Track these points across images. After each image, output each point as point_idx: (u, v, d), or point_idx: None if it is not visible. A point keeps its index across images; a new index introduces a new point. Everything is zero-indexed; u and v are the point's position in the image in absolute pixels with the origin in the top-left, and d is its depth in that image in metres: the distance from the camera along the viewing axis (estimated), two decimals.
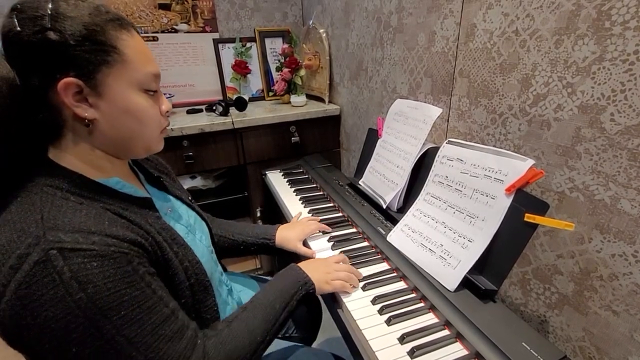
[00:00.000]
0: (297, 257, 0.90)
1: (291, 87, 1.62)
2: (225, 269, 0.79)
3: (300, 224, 0.89)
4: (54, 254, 0.38)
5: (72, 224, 0.41)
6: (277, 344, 0.73)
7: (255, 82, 1.74)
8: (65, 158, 0.48)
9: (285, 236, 0.84)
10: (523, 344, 0.53)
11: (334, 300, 0.70)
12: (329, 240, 0.85)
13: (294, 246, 0.83)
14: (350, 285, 0.68)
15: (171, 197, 0.65)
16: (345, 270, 0.70)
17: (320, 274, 0.67)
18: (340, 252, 0.80)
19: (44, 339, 0.39)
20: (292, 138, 1.50)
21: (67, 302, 0.38)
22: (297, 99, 1.56)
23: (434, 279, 0.68)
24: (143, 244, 0.46)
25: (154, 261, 0.48)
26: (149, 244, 0.48)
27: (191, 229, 0.64)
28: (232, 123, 1.37)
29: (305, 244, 0.86)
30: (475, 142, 0.75)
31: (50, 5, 0.43)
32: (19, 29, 0.41)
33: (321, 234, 0.89)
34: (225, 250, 0.84)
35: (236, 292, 0.78)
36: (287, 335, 0.89)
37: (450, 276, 0.65)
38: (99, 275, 0.40)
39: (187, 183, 1.59)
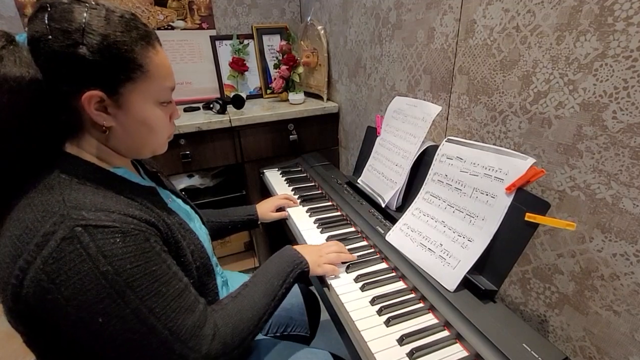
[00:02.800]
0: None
1: (289, 85, 1.60)
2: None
3: (271, 198, 1.04)
4: (79, 230, 0.41)
5: (93, 203, 0.44)
6: (276, 344, 0.73)
7: (253, 80, 1.72)
8: (80, 153, 0.50)
9: (262, 210, 0.99)
10: (524, 345, 0.52)
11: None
12: (327, 240, 0.85)
13: (269, 216, 0.98)
14: (341, 261, 0.74)
15: (166, 191, 0.67)
16: (335, 252, 0.74)
17: (313, 257, 0.71)
18: None
19: (70, 311, 0.41)
20: (290, 136, 1.49)
21: (94, 275, 0.41)
22: (295, 96, 1.55)
23: (434, 279, 0.67)
24: (156, 224, 0.50)
25: (166, 241, 0.51)
26: (161, 225, 0.51)
27: (191, 218, 0.67)
28: (230, 121, 1.36)
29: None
30: (475, 140, 0.74)
31: (85, 16, 0.44)
32: (50, 37, 0.43)
33: (319, 232, 0.88)
34: (214, 232, 0.89)
35: (232, 288, 0.78)
36: (285, 333, 0.89)
37: (450, 276, 0.64)
38: (122, 249, 0.43)
39: (185, 182, 1.58)
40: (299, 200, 1.06)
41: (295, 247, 0.73)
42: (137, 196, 0.51)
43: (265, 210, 0.99)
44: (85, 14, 0.44)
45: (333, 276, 0.72)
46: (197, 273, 0.58)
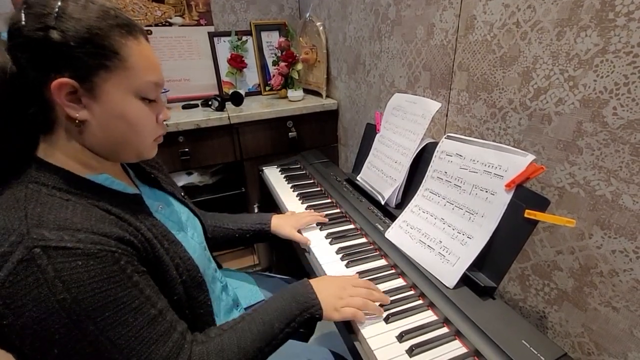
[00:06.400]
0: (295, 255, 0.89)
1: (288, 82, 1.59)
2: (220, 266, 0.79)
3: (295, 215, 0.90)
4: (37, 252, 0.38)
5: (57, 221, 0.40)
6: None
7: (252, 77, 1.71)
8: (54, 155, 0.47)
9: (280, 223, 0.85)
10: (523, 341, 0.52)
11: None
12: (326, 237, 0.84)
13: (289, 232, 0.83)
14: (365, 313, 0.59)
15: (163, 194, 0.65)
16: (362, 297, 0.60)
17: (331, 298, 0.59)
18: (339, 248, 0.79)
19: (26, 339, 0.39)
20: (290, 133, 1.49)
21: (50, 302, 0.38)
22: (294, 93, 1.54)
23: (433, 275, 0.67)
24: (132, 241, 0.46)
25: (144, 258, 0.48)
26: (138, 241, 0.47)
27: (183, 226, 0.63)
28: (229, 118, 1.36)
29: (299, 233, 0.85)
30: (474, 137, 0.74)
31: (59, 4, 0.42)
32: (23, 23, 0.41)
33: (318, 229, 0.88)
34: (221, 240, 0.84)
35: (232, 288, 0.77)
36: None
37: (449, 273, 0.64)
38: (83, 274, 0.39)
39: (183, 179, 1.57)
40: (299, 199, 1.05)
41: (314, 280, 0.62)
42: (116, 207, 0.48)
43: (284, 223, 0.84)
44: (60, 2, 0.42)
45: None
46: (184, 287, 0.54)
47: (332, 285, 0.62)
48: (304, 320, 0.57)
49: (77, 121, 0.45)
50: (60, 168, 0.46)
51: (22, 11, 0.42)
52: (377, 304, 0.61)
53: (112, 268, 0.41)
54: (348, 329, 0.61)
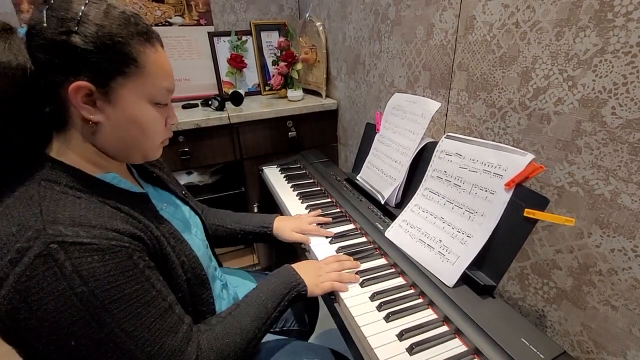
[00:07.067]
0: (295, 254, 0.89)
1: (288, 82, 1.60)
2: (220, 264, 0.79)
3: (299, 219, 0.89)
4: (55, 248, 0.39)
5: (72, 217, 0.42)
6: (275, 340, 0.73)
7: (252, 77, 1.71)
8: (66, 154, 0.48)
9: (282, 226, 0.86)
10: (522, 340, 0.53)
11: (331, 294, 0.69)
12: (327, 237, 0.85)
13: (289, 236, 0.84)
14: (343, 283, 0.67)
15: (167, 193, 0.66)
16: (336, 271, 0.69)
17: (312, 277, 0.67)
18: (339, 248, 0.79)
19: (43, 332, 0.39)
20: (289, 133, 1.49)
21: (69, 296, 0.39)
22: (294, 93, 1.55)
23: (433, 275, 0.67)
24: (143, 237, 0.47)
25: (153, 255, 0.49)
26: (148, 238, 0.48)
27: (187, 224, 0.64)
28: (229, 118, 1.36)
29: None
30: (474, 137, 0.74)
31: (82, 9, 0.43)
32: (45, 25, 0.42)
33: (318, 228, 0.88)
34: (223, 239, 0.85)
35: (232, 287, 0.78)
36: (285, 329, 0.89)
37: (449, 272, 0.65)
38: (100, 269, 0.41)
39: (184, 179, 1.58)
40: (299, 199, 1.05)
41: (295, 265, 0.70)
42: (125, 205, 0.49)
43: (286, 227, 0.85)
44: (84, 7, 0.43)
45: None
46: (188, 285, 0.56)
47: (310, 267, 0.70)
48: (292, 298, 0.64)
49: (90, 123, 0.47)
50: (72, 167, 0.47)
51: (44, 12, 0.42)
52: (350, 271, 0.71)
53: (126, 263, 0.43)
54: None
